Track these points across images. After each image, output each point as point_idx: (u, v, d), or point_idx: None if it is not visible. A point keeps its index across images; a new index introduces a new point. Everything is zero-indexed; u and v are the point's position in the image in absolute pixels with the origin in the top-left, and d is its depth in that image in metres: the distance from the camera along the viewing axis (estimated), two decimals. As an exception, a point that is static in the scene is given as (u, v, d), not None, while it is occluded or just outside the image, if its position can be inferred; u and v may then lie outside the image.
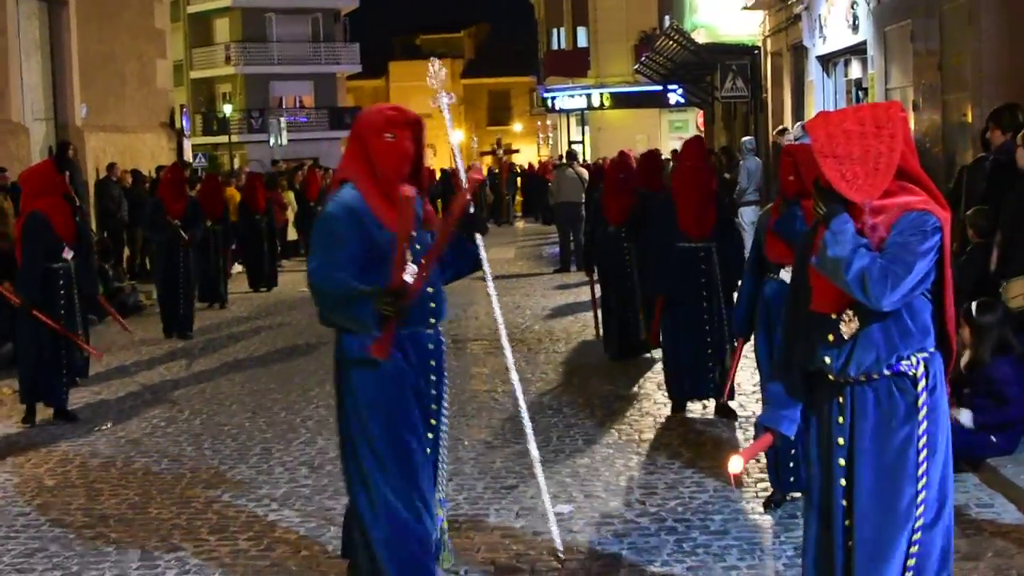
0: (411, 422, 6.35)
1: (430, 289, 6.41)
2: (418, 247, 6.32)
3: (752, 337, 9.28)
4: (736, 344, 9.69)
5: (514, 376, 7.24)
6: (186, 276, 18.27)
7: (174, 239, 17.80)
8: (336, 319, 6.32)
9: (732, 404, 11.61)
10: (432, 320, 6.47)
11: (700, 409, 11.82)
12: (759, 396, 11.26)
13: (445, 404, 6.66)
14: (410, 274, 6.18)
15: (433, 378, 6.50)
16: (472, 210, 6.76)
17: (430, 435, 6.48)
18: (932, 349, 5.32)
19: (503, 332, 7.18)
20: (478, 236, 6.82)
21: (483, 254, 6.93)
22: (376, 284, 6.13)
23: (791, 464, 8.56)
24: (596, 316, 15.82)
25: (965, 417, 9.26)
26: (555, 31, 63.63)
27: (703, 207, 11.29)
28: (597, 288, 15.51)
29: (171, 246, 17.94)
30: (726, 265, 11.24)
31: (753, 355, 9.49)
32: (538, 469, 7.17)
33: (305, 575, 7.74)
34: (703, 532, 8.31)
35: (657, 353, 13.99)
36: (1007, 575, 7.36)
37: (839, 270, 5.07)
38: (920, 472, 5.25)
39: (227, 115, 61.12)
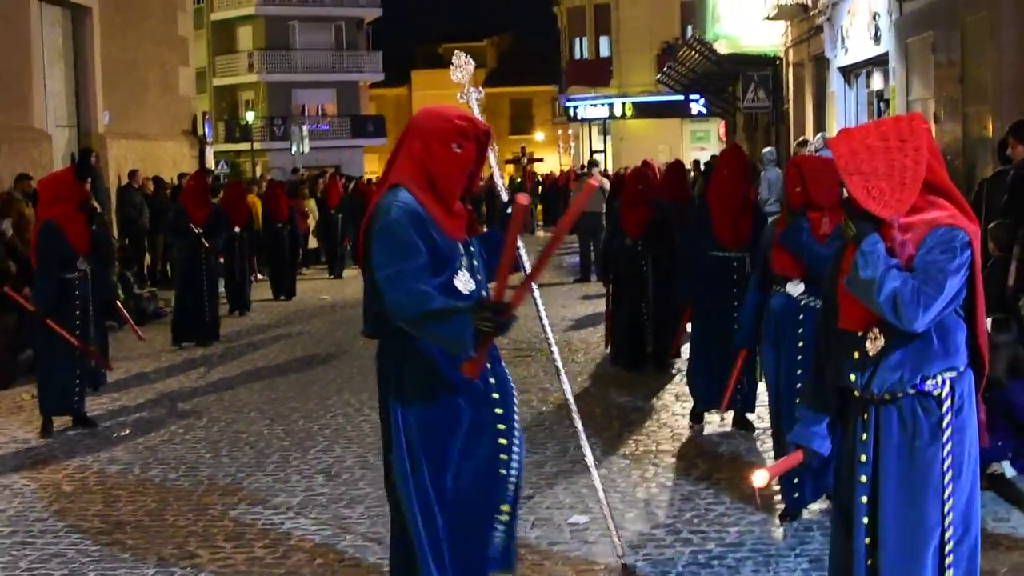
0: (456, 445, 5.96)
1: (484, 292, 6.04)
2: (472, 250, 6.01)
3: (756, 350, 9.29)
4: (739, 356, 9.62)
5: (565, 382, 7.04)
6: (210, 283, 18.26)
7: (196, 246, 17.81)
8: (425, 335, 5.72)
9: (751, 416, 11.56)
10: None
11: (718, 421, 11.79)
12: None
13: (515, 403, 6.16)
14: (462, 282, 5.86)
15: (492, 381, 6.06)
16: (510, 210, 6.33)
17: (502, 440, 6.04)
18: (962, 368, 5.26)
19: (551, 338, 6.91)
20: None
21: (524, 256, 6.75)
22: (473, 298, 5.78)
23: (795, 480, 8.50)
24: (607, 325, 15.61)
25: (1009, 470, 9.21)
26: (578, 40, 63.74)
27: (739, 216, 11.18)
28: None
29: (193, 253, 17.92)
30: None
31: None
32: (594, 473, 6.89)
33: (320, 584, 7.77)
34: (718, 544, 8.29)
35: (679, 364, 13.99)
36: (1023, 590, 7.36)
37: (871, 292, 5.02)
38: (946, 495, 5.20)
39: (249, 122, 61.34)
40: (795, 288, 8.52)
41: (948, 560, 5.20)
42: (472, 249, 6.02)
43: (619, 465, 10.43)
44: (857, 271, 5.08)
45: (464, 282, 5.87)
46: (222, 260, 20.76)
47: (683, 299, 12.08)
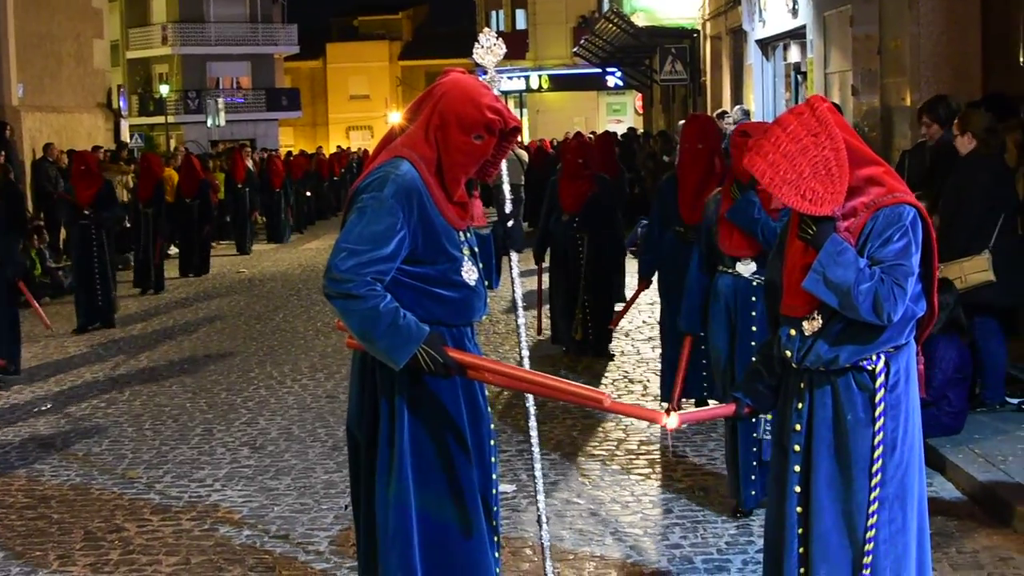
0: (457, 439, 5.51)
1: (484, 283, 5.59)
2: (470, 237, 5.54)
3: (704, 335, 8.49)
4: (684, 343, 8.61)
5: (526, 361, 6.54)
6: (101, 264, 17.21)
7: (86, 227, 17.03)
8: (351, 323, 5.21)
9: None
10: (476, 317, 5.60)
11: (641, 391, 11.76)
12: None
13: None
14: (466, 272, 5.41)
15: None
16: (512, 223, 5.78)
17: (493, 442, 5.75)
18: (902, 341, 5.22)
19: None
20: (514, 255, 5.87)
21: (516, 276, 5.96)
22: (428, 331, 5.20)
23: (752, 476, 7.98)
24: (540, 309, 14.43)
25: None
26: (494, 13, 63.70)
27: (701, 191, 10.12)
28: (545, 279, 14.23)
29: (83, 234, 17.12)
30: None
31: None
32: (537, 468, 6.42)
33: (250, 554, 7.73)
34: (646, 511, 8.36)
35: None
36: (946, 552, 7.45)
37: (849, 296, 4.97)
38: (874, 469, 5.17)
39: (164, 96, 60.70)
40: (746, 268, 7.93)
41: (869, 534, 5.18)
42: (470, 236, 5.57)
43: (547, 436, 10.42)
44: (824, 272, 5.01)
45: (467, 271, 5.45)
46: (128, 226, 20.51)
47: (641, 277, 11.50)
